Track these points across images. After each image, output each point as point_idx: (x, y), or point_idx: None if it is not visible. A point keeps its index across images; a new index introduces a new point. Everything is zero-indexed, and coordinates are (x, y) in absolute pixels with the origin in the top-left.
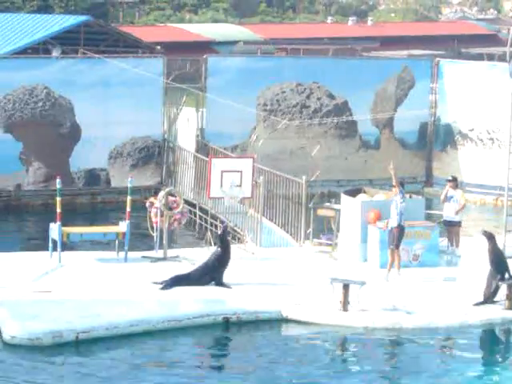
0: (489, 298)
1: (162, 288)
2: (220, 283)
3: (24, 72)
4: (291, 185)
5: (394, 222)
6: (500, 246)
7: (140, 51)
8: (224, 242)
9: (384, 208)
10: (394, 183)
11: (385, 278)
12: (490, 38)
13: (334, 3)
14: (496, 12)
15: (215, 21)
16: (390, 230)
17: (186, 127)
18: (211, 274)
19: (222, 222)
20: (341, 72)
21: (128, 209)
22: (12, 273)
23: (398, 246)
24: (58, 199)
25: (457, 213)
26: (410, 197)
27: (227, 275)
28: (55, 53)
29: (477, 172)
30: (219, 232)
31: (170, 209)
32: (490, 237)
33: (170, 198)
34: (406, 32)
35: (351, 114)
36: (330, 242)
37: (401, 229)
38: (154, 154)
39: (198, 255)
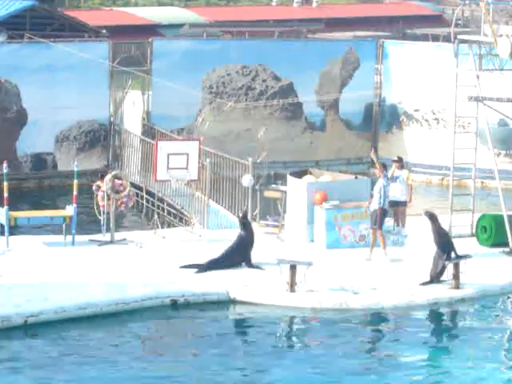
0: (435, 278)
1: (197, 272)
2: (250, 265)
3: None
4: (238, 167)
5: (375, 204)
6: (446, 225)
7: (86, 35)
8: (246, 225)
9: (330, 189)
10: (377, 167)
11: (367, 258)
12: (434, 18)
13: None
14: None
15: (161, 4)
16: (372, 211)
17: (132, 110)
18: (240, 255)
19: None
20: (286, 54)
21: (75, 192)
22: None
23: (380, 227)
24: (5, 184)
25: (410, 200)
26: (356, 177)
27: (171, 257)
28: (1, 38)
29: (422, 152)
30: (240, 216)
31: (117, 192)
32: (432, 217)
33: (117, 182)
34: (351, 13)
35: (296, 96)
36: (276, 224)
37: (383, 210)
38: (100, 137)
39: (145, 238)
